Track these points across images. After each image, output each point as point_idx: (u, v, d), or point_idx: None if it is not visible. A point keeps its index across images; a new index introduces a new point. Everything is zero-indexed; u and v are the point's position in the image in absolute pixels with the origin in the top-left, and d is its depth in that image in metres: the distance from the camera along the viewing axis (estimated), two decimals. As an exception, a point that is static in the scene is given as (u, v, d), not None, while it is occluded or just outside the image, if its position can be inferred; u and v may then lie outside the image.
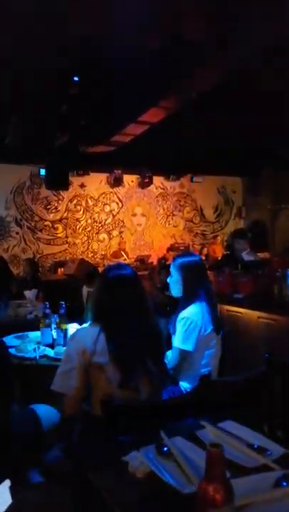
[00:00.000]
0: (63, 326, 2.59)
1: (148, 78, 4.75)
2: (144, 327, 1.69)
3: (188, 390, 2.27)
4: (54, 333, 2.68)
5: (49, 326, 2.68)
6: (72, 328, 2.62)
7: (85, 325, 1.79)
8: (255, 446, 1.27)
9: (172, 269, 2.46)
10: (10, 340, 2.65)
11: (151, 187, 10.11)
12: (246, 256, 4.59)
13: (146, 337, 1.69)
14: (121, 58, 4.21)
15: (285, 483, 1.06)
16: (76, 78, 4.88)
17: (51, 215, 9.17)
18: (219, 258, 8.12)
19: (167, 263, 8.56)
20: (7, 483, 1.52)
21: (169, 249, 9.56)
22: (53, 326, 2.72)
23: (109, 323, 1.66)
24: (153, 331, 1.75)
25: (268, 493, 1.04)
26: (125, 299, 1.71)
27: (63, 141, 6.46)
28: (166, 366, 1.89)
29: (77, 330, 1.81)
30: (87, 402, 1.69)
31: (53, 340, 2.63)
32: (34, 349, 2.42)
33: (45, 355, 2.41)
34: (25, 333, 2.81)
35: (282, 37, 3.56)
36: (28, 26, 3.66)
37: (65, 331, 2.58)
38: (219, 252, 9.50)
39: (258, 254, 5.44)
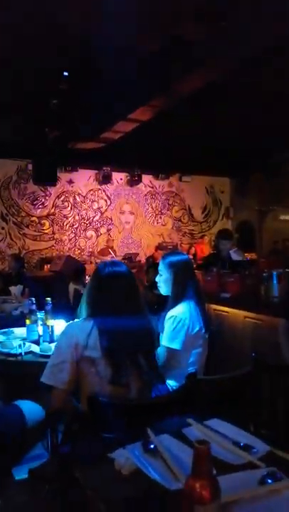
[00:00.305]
0: (49, 323, 2.57)
1: (140, 77, 4.74)
2: (137, 323, 1.70)
3: (175, 388, 2.27)
4: (40, 329, 2.65)
5: (35, 322, 2.65)
6: (59, 325, 2.60)
7: (77, 320, 1.79)
8: (241, 444, 1.28)
9: (161, 268, 2.46)
10: (-5, 336, 2.61)
11: (140, 185, 10.10)
12: (234, 255, 4.62)
13: (139, 333, 1.69)
14: (114, 56, 4.21)
15: (270, 481, 1.07)
16: (66, 74, 4.85)
17: (38, 211, 9.09)
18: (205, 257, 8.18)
19: (156, 261, 8.56)
20: None
21: (157, 248, 9.56)
22: (39, 322, 2.70)
23: (103, 319, 1.66)
24: (145, 327, 1.76)
25: (253, 490, 1.04)
26: (120, 296, 1.72)
27: (52, 136, 6.41)
28: (157, 363, 1.88)
29: (70, 324, 1.81)
30: (76, 397, 1.68)
31: (39, 336, 2.60)
32: (19, 345, 2.39)
33: (30, 352, 2.38)
34: (11, 329, 2.77)
35: (283, 37, 3.59)
36: (17, 23, 3.64)
37: (51, 328, 2.56)
38: (207, 251, 9.54)
39: (245, 254, 5.48)
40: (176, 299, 2.35)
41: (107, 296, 1.73)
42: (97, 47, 4.01)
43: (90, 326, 1.64)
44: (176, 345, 2.25)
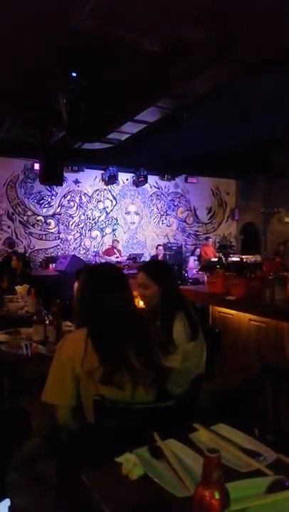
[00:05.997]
0: (56, 323, 2.57)
1: (148, 78, 4.74)
2: (130, 325, 1.67)
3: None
4: (46, 330, 2.65)
5: (42, 322, 2.65)
6: (65, 325, 2.61)
7: (71, 333, 1.75)
8: (248, 451, 1.27)
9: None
10: (0, 336, 2.62)
11: (146, 186, 10.11)
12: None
13: (132, 333, 1.65)
14: (122, 58, 4.21)
15: (278, 489, 1.07)
16: (74, 74, 4.86)
17: (44, 210, 9.12)
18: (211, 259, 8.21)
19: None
20: (7, 502, 1.50)
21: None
22: (46, 322, 2.70)
23: (96, 325, 1.61)
24: (140, 328, 1.71)
25: (261, 498, 1.04)
26: (111, 299, 1.66)
27: (59, 136, 6.43)
28: (159, 363, 1.80)
29: (65, 338, 1.70)
30: (80, 411, 1.64)
31: (46, 337, 2.60)
32: (26, 346, 2.39)
33: (37, 353, 2.38)
34: (17, 329, 2.77)
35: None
36: (29, 23, 3.66)
37: (58, 328, 2.56)
38: (211, 253, 9.54)
39: (250, 256, 5.48)
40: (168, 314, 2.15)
41: (99, 300, 1.66)
42: (105, 47, 4.02)
43: (83, 337, 1.57)
44: (172, 364, 2.15)
